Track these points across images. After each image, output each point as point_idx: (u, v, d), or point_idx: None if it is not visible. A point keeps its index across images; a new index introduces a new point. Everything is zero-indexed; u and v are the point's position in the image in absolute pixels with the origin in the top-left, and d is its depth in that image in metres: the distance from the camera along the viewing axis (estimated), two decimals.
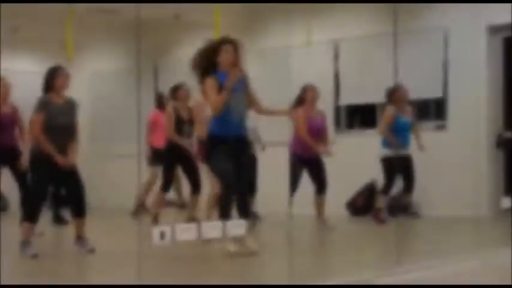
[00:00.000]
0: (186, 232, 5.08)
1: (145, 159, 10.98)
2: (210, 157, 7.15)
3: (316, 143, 9.38)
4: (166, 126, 9.25)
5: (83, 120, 11.36)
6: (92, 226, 10.54)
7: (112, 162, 13.77)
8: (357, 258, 5.75)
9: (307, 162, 9.42)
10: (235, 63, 7.06)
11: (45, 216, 10.57)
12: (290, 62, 8.07)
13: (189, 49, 13.03)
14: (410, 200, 10.42)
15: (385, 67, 10.35)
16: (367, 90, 11.64)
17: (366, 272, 5.65)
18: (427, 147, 10.14)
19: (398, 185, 10.16)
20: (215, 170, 7.16)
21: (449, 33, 10.89)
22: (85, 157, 10.96)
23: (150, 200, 10.24)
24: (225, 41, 7.13)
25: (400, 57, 7.61)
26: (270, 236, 9.01)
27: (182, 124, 9.13)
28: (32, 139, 7.65)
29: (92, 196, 13.40)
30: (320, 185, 9.53)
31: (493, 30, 10.64)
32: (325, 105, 11.56)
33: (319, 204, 9.53)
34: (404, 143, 10.04)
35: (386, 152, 10.01)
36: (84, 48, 14.18)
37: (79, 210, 7.79)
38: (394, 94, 10.12)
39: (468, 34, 10.09)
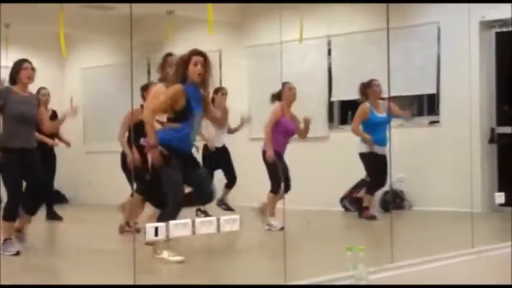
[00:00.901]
0: (180, 228, 5.09)
1: None
2: (166, 173, 6.73)
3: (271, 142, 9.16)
4: (121, 128, 9.14)
5: (77, 115, 11.39)
6: (87, 222, 10.58)
7: (105, 158, 13.75)
8: (349, 253, 5.74)
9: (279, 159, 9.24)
10: (204, 75, 6.88)
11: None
12: (283, 58, 8.05)
13: (182, 45, 13.12)
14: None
15: (378, 63, 10.39)
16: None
17: (358, 267, 5.65)
18: (420, 143, 10.17)
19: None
20: (171, 188, 6.73)
21: (442, 28, 10.91)
22: (79, 153, 11.01)
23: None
24: (194, 53, 6.94)
25: (393, 53, 7.62)
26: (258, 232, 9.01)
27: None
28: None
29: (86, 192, 13.49)
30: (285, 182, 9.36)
31: (486, 25, 10.66)
32: (318, 101, 11.60)
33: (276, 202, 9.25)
34: (380, 141, 9.75)
35: (364, 146, 9.97)
36: (78, 44, 14.18)
37: (35, 207, 7.75)
38: (367, 90, 10.09)
39: (461, 29, 10.09)
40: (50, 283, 6.18)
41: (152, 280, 6.03)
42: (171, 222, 5.07)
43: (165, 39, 12.93)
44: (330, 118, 12.06)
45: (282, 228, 8.47)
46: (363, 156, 10.00)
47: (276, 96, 9.32)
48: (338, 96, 11.98)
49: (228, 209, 9.94)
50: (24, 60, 7.68)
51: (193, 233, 5.40)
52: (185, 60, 6.88)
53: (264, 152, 9.12)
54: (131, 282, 4.78)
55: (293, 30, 9.86)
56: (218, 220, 5.30)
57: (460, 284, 5.68)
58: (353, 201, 11.13)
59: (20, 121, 7.48)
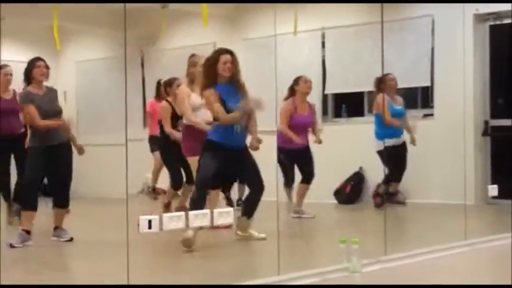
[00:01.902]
0: (173, 221, 5.11)
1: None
2: (201, 158, 7.19)
3: (296, 134, 9.34)
4: (164, 121, 9.20)
5: (71, 109, 11.43)
6: (81, 214, 10.58)
7: (100, 152, 13.75)
8: (343, 245, 5.76)
9: (291, 153, 9.34)
10: (234, 70, 7.22)
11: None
12: (277, 51, 8.07)
13: (176, 39, 13.15)
14: (397, 189, 10.45)
15: (372, 56, 10.41)
16: (354, 79, 11.66)
17: (352, 259, 5.67)
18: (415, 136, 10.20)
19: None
20: (200, 168, 7.18)
21: (436, 21, 10.92)
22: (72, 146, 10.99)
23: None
24: (222, 51, 7.26)
25: (387, 46, 7.63)
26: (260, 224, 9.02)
27: (176, 119, 9.04)
28: (32, 132, 7.74)
29: (80, 185, 13.46)
30: (307, 175, 9.53)
31: (480, 18, 10.67)
32: (312, 93, 11.59)
33: (302, 193, 9.53)
34: (396, 132, 10.00)
35: (380, 144, 9.98)
36: (72, 37, 14.14)
37: (63, 200, 7.84)
38: (381, 84, 10.07)
39: (455, 22, 10.10)
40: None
41: (145, 272, 6.04)
42: (166, 215, 5.10)
43: (159, 33, 12.94)
44: (324, 111, 12.07)
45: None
46: (379, 154, 10.00)
47: (289, 91, 9.45)
48: (332, 89, 11.98)
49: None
50: (38, 59, 7.83)
51: (187, 225, 5.43)
52: (214, 61, 7.18)
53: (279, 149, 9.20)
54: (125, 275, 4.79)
55: (287, 23, 9.87)
56: (212, 213, 5.32)
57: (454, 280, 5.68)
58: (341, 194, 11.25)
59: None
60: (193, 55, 8.38)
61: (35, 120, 7.59)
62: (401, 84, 10.69)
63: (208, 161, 7.07)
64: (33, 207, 7.69)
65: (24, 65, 7.84)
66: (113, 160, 9.30)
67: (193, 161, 7.86)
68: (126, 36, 5.81)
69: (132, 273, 4.82)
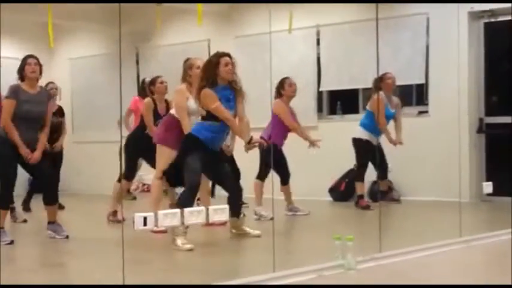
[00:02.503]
0: (168, 218, 5.10)
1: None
2: (186, 154, 7.22)
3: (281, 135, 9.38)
4: (146, 120, 9.16)
5: (65, 106, 11.39)
6: (75, 211, 10.58)
7: (94, 148, 13.75)
8: (338, 242, 5.77)
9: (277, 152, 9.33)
10: (234, 74, 7.32)
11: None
12: (272, 49, 8.06)
13: (171, 35, 13.14)
14: (388, 186, 10.42)
15: (367, 53, 10.40)
16: (349, 77, 11.67)
17: (347, 256, 5.67)
18: (410, 133, 10.19)
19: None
20: (188, 173, 7.17)
21: (431, 19, 10.92)
22: (68, 143, 10.98)
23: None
24: (222, 54, 7.32)
25: (382, 43, 7.63)
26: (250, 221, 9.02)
27: (157, 118, 8.96)
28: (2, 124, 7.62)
29: (75, 181, 13.48)
30: (286, 175, 9.50)
31: (474, 15, 10.68)
32: (306, 91, 11.60)
33: (287, 192, 9.54)
34: (377, 131, 9.89)
35: (364, 133, 9.97)
36: (66, 34, 14.13)
37: (50, 198, 7.79)
38: (380, 83, 9.97)
39: (450, 20, 10.11)
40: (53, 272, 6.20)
41: (141, 270, 6.04)
42: (160, 212, 5.10)
43: (154, 30, 12.93)
44: (319, 108, 12.07)
45: (271, 219, 8.61)
46: (359, 141, 9.98)
47: (276, 92, 9.42)
48: (327, 86, 11.98)
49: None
50: (29, 56, 7.76)
51: (182, 223, 5.43)
52: (215, 64, 7.24)
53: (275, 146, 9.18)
54: (120, 272, 4.79)
55: (282, 21, 9.86)
56: (207, 210, 5.31)
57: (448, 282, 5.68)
58: (336, 191, 11.27)
59: (23, 120, 7.55)
60: (188, 59, 8.38)
61: (8, 124, 7.46)
62: (396, 81, 10.69)
63: (196, 162, 7.13)
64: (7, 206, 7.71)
65: (18, 62, 7.78)
66: (108, 157, 9.32)
67: (162, 151, 8.13)
68: (121, 33, 5.79)
69: (128, 271, 4.81)
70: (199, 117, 7.38)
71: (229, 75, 7.24)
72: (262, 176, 9.27)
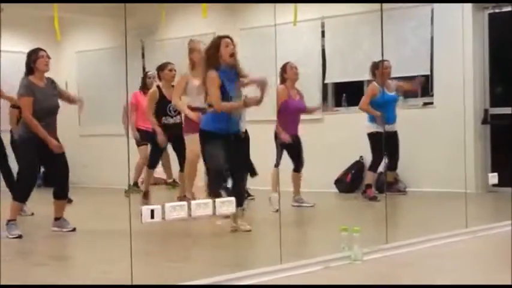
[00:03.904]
0: (176, 210, 5.13)
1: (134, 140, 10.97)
2: (206, 150, 7.40)
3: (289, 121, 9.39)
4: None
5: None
6: (84, 204, 10.62)
7: (101, 142, 13.79)
8: (344, 234, 5.80)
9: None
10: (235, 54, 7.37)
11: (35, 197, 10.59)
12: (277, 41, 8.08)
13: (176, 29, 13.14)
14: (394, 178, 10.45)
15: (372, 45, 10.41)
16: (354, 68, 11.68)
17: (353, 248, 5.70)
18: (415, 125, 10.21)
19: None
20: (210, 161, 7.39)
21: (436, 10, 10.92)
22: (75, 137, 11.03)
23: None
24: (222, 36, 7.42)
25: (387, 35, 7.64)
26: (257, 213, 9.06)
27: (166, 104, 9.10)
28: (23, 122, 7.66)
29: (82, 175, 13.51)
30: (299, 163, 9.56)
31: (479, 6, 10.67)
32: (312, 83, 11.62)
33: (297, 181, 9.59)
34: (389, 119, 9.93)
35: (373, 126, 10.01)
36: (72, 27, 14.15)
37: (62, 191, 7.84)
38: (376, 70, 10.09)
39: (454, 10, 10.12)
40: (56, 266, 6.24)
41: (149, 262, 6.08)
42: (167, 204, 5.12)
43: (159, 23, 12.94)
44: (324, 100, 12.08)
45: (277, 211, 8.66)
46: (371, 136, 10.01)
47: (280, 77, 9.47)
48: (332, 78, 11.99)
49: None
50: (39, 49, 7.78)
51: (189, 215, 5.46)
52: (217, 46, 7.33)
53: (275, 134, 9.22)
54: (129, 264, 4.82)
55: (287, 13, 9.87)
56: (214, 202, 5.35)
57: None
58: (342, 183, 11.26)
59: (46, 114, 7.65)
60: (191, 40, 8.48)
61: (31, 120, 7.52)
62: (401, 73, 10.71)
63: (215, 152, 7.28)
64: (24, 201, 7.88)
65: (24, 56, 7.79)
66: (115, 150, 9.35)
67: (189, 138, 8.40)
68: (126, 26, 5.82)
69: (135, 263, 4.84)
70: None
71: (229, 57, 7.31)
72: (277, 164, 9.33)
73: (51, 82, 7.87)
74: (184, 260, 6.43)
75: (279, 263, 5.42)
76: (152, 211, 4.93)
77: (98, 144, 13.90)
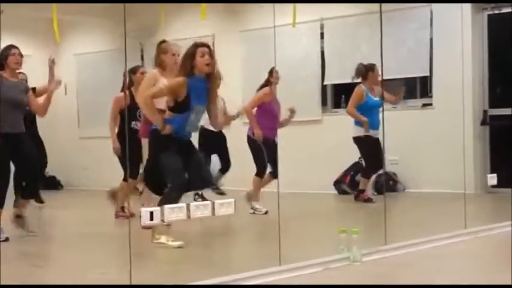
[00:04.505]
0: (174, 212, 5.13)
1: None
2: (159, 154, 6.82)
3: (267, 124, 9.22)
4: (111, 114, 9.07)
5: (71, 101, 11.45)
6: (81, 206, 10.61)
7: (101, 144, 13.77)
8: (343, 235, 5.80)
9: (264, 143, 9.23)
10: (212, 65, 6.90)
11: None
12: (276, 43, 8.08)
13: (175, 31, 13.14)
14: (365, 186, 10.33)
15: (371, 46, 10.42)
16: (353, 70, 11.64)
17: (352, 249, 5.70)
18: (413, 125, 10.21)
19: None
20: (167, 169, 6.77)
21: (435, 11, 10.93)
22: (73, 139, 11.03)
23: None
24: (199, 45, 6.96)
25: (386, 36, 7.65)
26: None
27: (136, 109, 8.31)
28: None
29: (82, 177, 13.53)
30: (274, 168, 9.24)
31: (478, 7, 10.68)
32: (311, 84, 11.63)
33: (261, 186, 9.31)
34: (373, 124, 9.79)
35: (358, 131, 9.96)
36: (71, 29, 14.16)
37: (30, 191, 7.77)
38: (369, 72, 10.03)
39: (453, 12, 10.13)
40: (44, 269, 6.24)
41: (147, 263, 6.08)
42: (166, 206, 5.11)
43: (158, 25, 12.93)
44: (323, 102, 12.09)
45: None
46: (358, 140, 10.00)
47: (266, 80, 9.40)
48: (331, 79, 12.00)
49: (221, 193, 9.90)
50: (12, 46, 7.65)
51: (189, 217, 5.45)
52: (191, 53, 6.87)
53: (248, 136, 9.17)
54: (127, 266, 4.82)
55: (286, 14, 9.87)
56: (213, 204, 5.35)
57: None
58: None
59: (11, 107, 7.40)
60: (163, 41, 8.07)
61: None
62: (400, 74, 10.72)
63: (175, 157, 6.75)
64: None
65: (24, 59, 7.76)
66: (113, 152, 9.34)
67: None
68: (126, 28, 5.82)
69: (134, 265, 4.84)
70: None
71: (205, 67, 6.82)
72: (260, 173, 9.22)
73: (22, 83, 7.80)
74: (182, 262, 6.41)
75: (277, 264, 5.42)
76: (151, 213, 4.93)
77: (97, 146, 13.88)
